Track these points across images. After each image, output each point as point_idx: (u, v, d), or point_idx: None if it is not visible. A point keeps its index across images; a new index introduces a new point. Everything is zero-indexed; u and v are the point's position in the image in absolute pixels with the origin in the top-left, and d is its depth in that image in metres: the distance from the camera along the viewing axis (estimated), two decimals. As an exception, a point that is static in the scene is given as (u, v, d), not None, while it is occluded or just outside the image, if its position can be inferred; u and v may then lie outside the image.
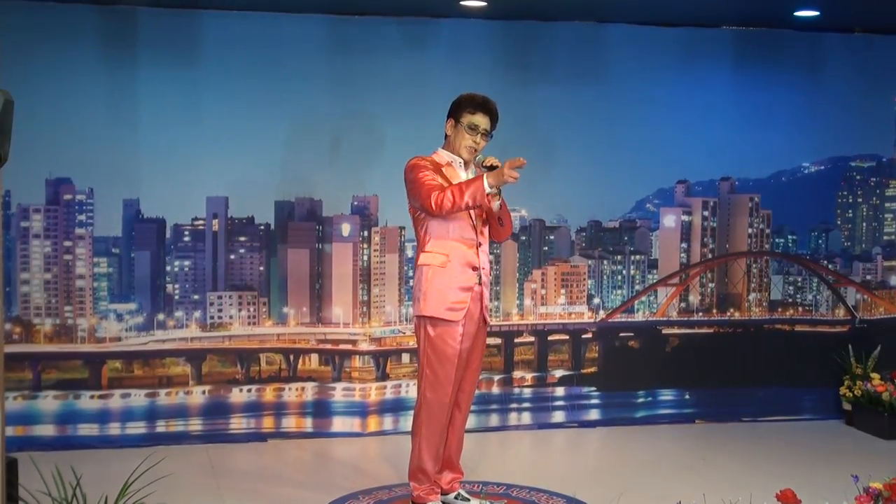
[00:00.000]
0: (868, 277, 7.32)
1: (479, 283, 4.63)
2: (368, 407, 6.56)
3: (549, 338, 6.87)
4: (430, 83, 6.30)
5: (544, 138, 6.66)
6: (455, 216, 4.55)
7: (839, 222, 7.35)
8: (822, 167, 7.31)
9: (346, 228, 6.53)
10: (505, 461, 5.97)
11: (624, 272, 7.01)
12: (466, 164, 4.65)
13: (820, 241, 7.31)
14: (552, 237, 6.91)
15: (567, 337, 6.89)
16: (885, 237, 7.38)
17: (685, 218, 7.05)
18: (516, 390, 6.82)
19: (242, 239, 6.44)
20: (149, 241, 6.29)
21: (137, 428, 6.24)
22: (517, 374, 6.81)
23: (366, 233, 6.55)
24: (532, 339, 6.84)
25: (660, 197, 7.06)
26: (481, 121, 4.59)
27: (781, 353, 7.12)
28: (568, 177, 6.78)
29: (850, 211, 7.37)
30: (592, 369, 6.91)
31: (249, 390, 6.42)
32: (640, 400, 6.98)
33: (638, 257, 7.04)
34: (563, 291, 6.87)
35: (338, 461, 5.91)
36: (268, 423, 6.43)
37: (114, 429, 6.22)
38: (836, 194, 7.35)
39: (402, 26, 6.45)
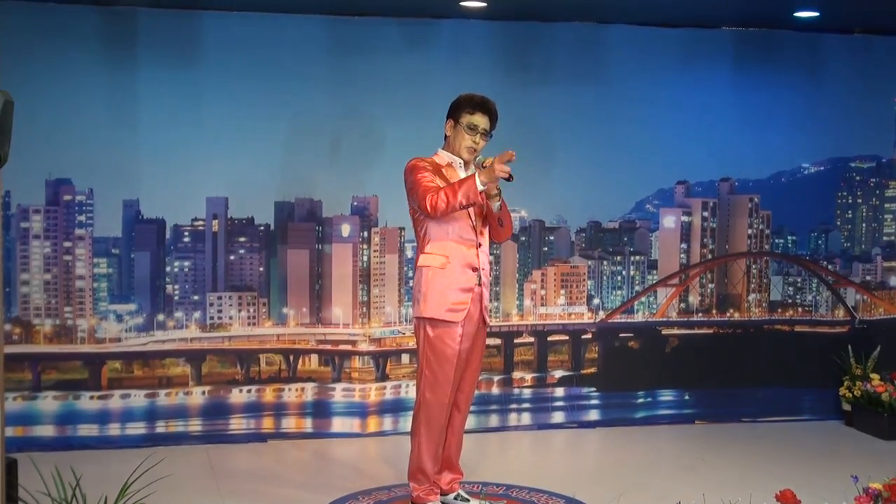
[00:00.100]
0: (868, 278, 7.32)
1: (479, 284, 4.63)
2: (368, 407, 6.56)
3: (549, 338, 6.87)
4: (431, 84, 6.30)
5: (544, 139, 6.66)
6: (454, 217, 4.55)
7: (839, 223, 7.35)
8: (822, 168, 7.32)
9: (345, 229, 6.53)
10: (504, 462, 5.97)
11: (624, 273, 7.01)
12: (466, 164, 4.65)
13: (820, 242, 7.31)
14: (552, 238, 6.91)
15: (567, 337, 6.89)
16: (885, 238, 7.38)
17: (685, 218, 7.05)
18: (516, 391, 6.82)
19: (242, 239, 6.44)
20: (149, 242, 6.29)
21: (137, 428, 6.24)
22: (517, 374, 6.81)
23: (365, 233, 6.55)
24: (532, 339, 6.84)
25: (659, 197, 7.06)
26: (480, 121, 4.59)
27: (781, 354, 7.12)
28: (568, 177, 6.78)
29: (850, 212, 7.37)
30: (592, 370, 6.91)
31: (249, 391, 6.42)
32: (640, 400, 6.98)
33: (638, 258, 7.04)
34: (562, 292, 6.87)
35: (337, 462, 5.91)
36: (268, 423, 6.43)
37: (113, 429, 6.22)
38: (835, 195, 7.35)
39: (402, 27, 6.45)
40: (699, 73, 6.96)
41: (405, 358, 6.62)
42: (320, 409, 6.50)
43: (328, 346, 6.53)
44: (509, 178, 4.39)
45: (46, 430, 6.12)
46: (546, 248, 6.89)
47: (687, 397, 7.04)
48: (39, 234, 6.10)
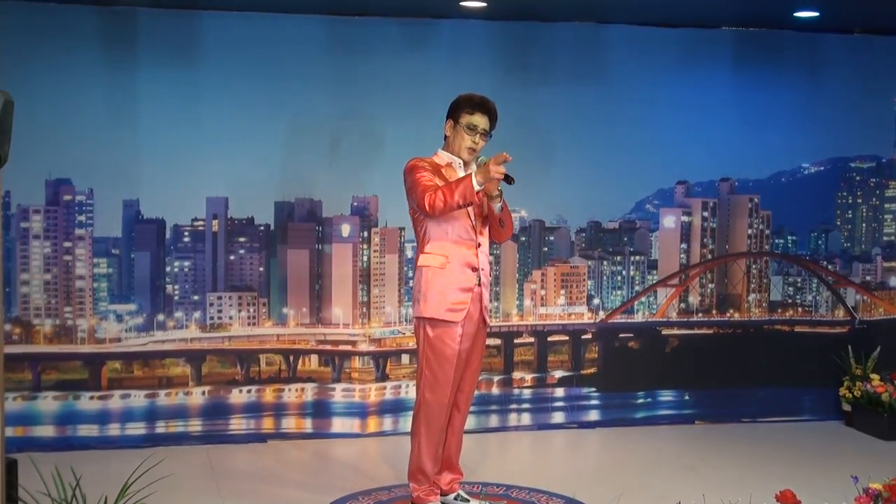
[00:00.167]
0: (868, 278, 7.32)
1: (479, 284, 4.63)
2: (368, 408, 6.56)
3: (549, 338, 6.87)
4: (431, 84, 6.30)
5: (544, 139, 6.66)
6: (454, 217, 4.55)
7: (839, 223, 7.35)
8: (822, 168, 7.32)
9: (345, 229, 6.53)
10: (504, 462, 5.97)
11: (624, 273, 7.01)
12: (466, 164, 4.65)
13: (819, 242, 7.31)
14: (552, 238, 6.91)
15: (567, 338, 6.89)
16: (885, 238, 7.38)
17: (685, 219, 7.05)
18: (516, 391, 6.82)
19: (242, 239, 6.44)
20: (149, 242, 6.29)
21: (137, 429, 6.23)
22: (517, 374, 6.81)
23: (365, 233, 6.55)
24: (532, 339, 6.84)
25: (659, 198, 7.06)
26: (480, 121, 4.59)
27: (781, 354, 7.12)
28: (568, 177, 6.78)
29: (850, 212, 7.37)
30: (592, 370, 6.91)
31: (249, 391, 6.42)
32: (640, 401, 6.98)
33: (638, 258, 7.04)
34: (562, 292, 6.87)
35: (337, 462, 5.91)
36: (267, 423, 6.43)
37: (114, 429, 6.22)
38: (835, 195, 7.35)
39: (402, 27, 6.45)
40: (699, 73, 6.96)
41: (405, 358, 6.62)
42: (320, 410, 6.50)
43: (328, 347, 6.53)
44: (511, 181, 4.39)
45: (46, 430, 6.12)
46: (546, 248, 6.89)
47: (687, 397, 7.04)
48: (39, 234, 6.10)
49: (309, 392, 6.49)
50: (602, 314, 6.94)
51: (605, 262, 6.98)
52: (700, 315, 7.11)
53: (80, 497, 3.76)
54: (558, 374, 6.87)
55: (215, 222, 6.38)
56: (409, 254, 6.54)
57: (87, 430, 6.17)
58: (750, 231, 7.13)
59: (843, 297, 7.28)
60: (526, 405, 6.83)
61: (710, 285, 7.15)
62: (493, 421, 6.74)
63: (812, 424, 6.95)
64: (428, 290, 4.57)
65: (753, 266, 7.18)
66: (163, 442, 6.14)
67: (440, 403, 4.62)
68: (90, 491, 3.88)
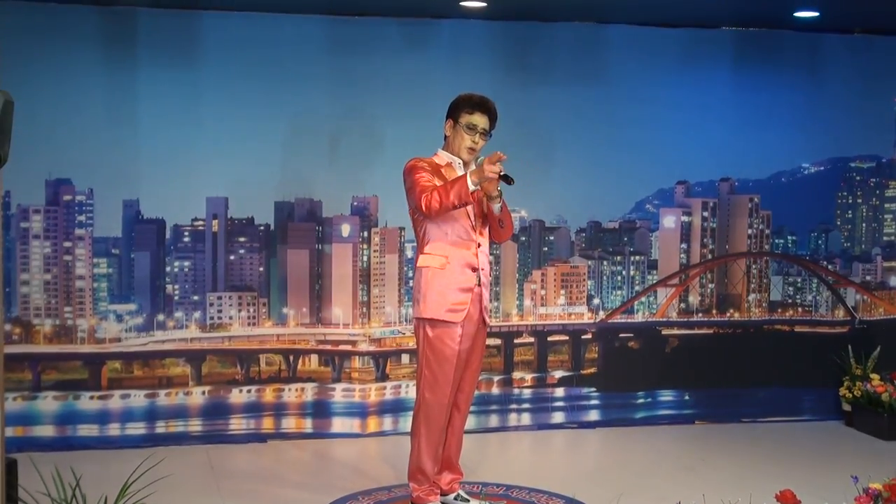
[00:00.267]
0: (868, 278, 7.32)
1: (479, 284, 4.63)
2: (368, 408, 6.56)
3: (549, 338, 6.87)
4: (431, 84, 6.30)
5: (544, 139, 6.66)
6: (454, 217, 4.55)
7: (839, 223, 7.35)
8: (822, 168, 7.32)
9: (345, 229, 6.53)
10: (504, 462, 5.97)
11: (624, 273, 7.01)
12: (466, 164, 4.65)
13: (820, 242, 7.31)
14: (552, 238, 6.91)
15: (567, 338, 6.89)
16: (885, 238, 7.38)
17: (685, 218, 7.05)
18: (516, 391, 6.82)
19: (242, 239, 6.44)
20: (149, 242, 6.29)
21: (137, 428, 6.23)
22: (517, 374, 6.81)
23: (365, 233, 6.55)
24: (532, 339, 6.84)
25: (659, 197, 7.06)
26: (479, 120, 4.59)
27: (781, 354, 7.12)
28: (568, 177, 6.78)
29: (850, 212, 7.37)
30: (592, 370, 6.91)
31: (249, 391, 6.42)
32: (640, 401, 6.98)
33: (638, 258, 7.04)
34: (562, 292, 6.87)
35: (337, 462, 5.91)
36: (267, 423, 6.43)
37: (113, 429, 6.22)
38: (835, 195, 7.35)
39: (402, 27, 6.45)
40: (699, 73, 6.96)
41: (405, 358, 6.62)
42: (320, 410, 6.50)
43: (328, 347, 6.53)
44: (510, 182, 4.39)
45: (46, 430, 6.12)
46: (546, 248, 6.89)
47: (687, 397, 7.04)
48: (39, 234, 6.10)
49: (309, 392, 6.49)
50: (602, 314, 6.94)
51: (605, 262, 6.98)
52: (700, 315, 7.11)
53: (80, 497, 3.76)
54: (558, 374, 6.87)
55: (215, 222, 6.38)
56: (409, 254, 6.54)
57: (87, 430, 6.17)
58: (750, 231, 7.13)
59: (843, 297, 7.28)
60: (526, 405, 6.83)
61: (710, 285, 7.15)
62: (493, 421, 6.74)
63: (812, 424, 6.95)
64: (428, 291, 4.57)
65: (753, 266, 7.18)
66: (163, 442, 6.14)
67: (440, 403, 4.62)
68: (90, 491, 3.88)
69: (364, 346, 6.56)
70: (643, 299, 7.04)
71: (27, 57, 5.80)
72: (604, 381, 6.91)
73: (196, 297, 6.36)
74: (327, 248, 6.51)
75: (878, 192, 7.38)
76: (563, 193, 6.85)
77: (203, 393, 6.35)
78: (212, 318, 6.38)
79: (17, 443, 5.77)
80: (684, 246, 7.08)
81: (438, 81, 6.25)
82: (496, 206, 4.58)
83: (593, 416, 6.88)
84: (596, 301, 6.94)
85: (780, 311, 7.24)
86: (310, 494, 5.16)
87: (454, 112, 4.62)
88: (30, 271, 6.10)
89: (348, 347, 6.55)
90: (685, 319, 7.08)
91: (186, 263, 6.35)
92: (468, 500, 4.84)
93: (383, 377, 6.59)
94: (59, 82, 5.99)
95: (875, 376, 6.72)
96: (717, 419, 6.94)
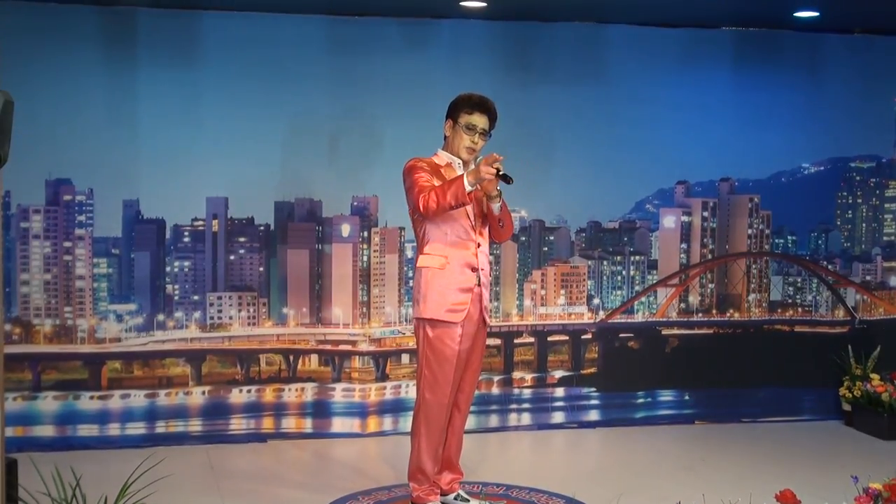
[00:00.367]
0: (868, 278, 7.32)
1: (479, 285, 4.63)
2: (368, 407, 6.56)
3: (549, 338, 6.87)
4: (431, 84, 6.29)
5: (544, 139, 6.66)
6: (453, 218, 4.55)
7: (839, 223, 7.35)
8: (822, 168, 7.32)
9: (345, 229, 6.53)
10: (504, 462, 5.97)
11: (624, 273, 7.01)
12: (466, 164, 4.65)
13: (820, 242, 7.31)
14: (552, 238, 6.91)
15: (567, 338, 6.89)
16: (885, 238, 7.38)
17: (685, 218, 7.05)
18: (516, 391, 6.82)
19: (242, 239, 6.44)
20: (149, 242, 6.29)
21: (137, 428, 6.23)
22: (517, 374, 6.81)
23: (365, 233, 6.55)
24: (532, 339, 6.84)
25: (659, 197, 7.06)
26: (479, 120, 4.59)
27: (781, 354, 7.12)
28: (568, 177, 6.78)
29: (850, 212, 7.37)
30: (592, 370, 6.91)
31: (249, 391, 6.42)
32: (640, 401, 6.98)
33: (638, 258, 7.04)
34: (562, 292, 6.87)
35: (337, 462, 5.91)
36: (267, 423, 6.43)
37: (113, 429, 6.22)
38: (835, 195, 7.35)
39: (402, 27, 6.45)
40: (699, 73, 6.96)
41: (405, 358, 6.62)
42: (320, 409, 6.50)
43: (328, 346, 6.53)
44: (509, 181, 4.38)
45: (46, 430, 6.12)
46: (546, 248, 6.89)
47: (687, 397, 7.04)
48: (39, 234, 6.10)
49: (309, 392, 6.49)
50: (602, 314, 6.94)
51: (605, 262, 6.98)
52: (700, 315, 7.11)
53: (80, 497, 3.76)
54: (558, 374, 6.87)
55: (215, 222, 6.38)
56: (409, 254, 6.54)
57: (87, 430, 6.17)
58: (750, 231, 7.13)
59: (843, 297, 7.28)
60: (526, 405, 6.83)
61: (710, 285, 7.15)
62: (493, 421, 6.74)
63: (812, 424, 6.95)
64: (428, 291, 4.57)
65: (753, 266, 7.18)
66: (163, 442, 6.14)
67: (440, 404, 4.61)
68: (90, 491, 3.88)
69: (364, 346, 6.56)
70: (643, 299, 7.04)
71: (27, 57, 5.80)
72: (604, 381, 6.91)
73: (196, 297, 6.36)
74: (327, 248, 6.51)
75: (878, 192, 7.38)
76: (563, 193, 6.85)
77: (203, 393, 6.35)
78: (212, 318, 6.38)
79: (17, 443, 5.77)
80: (684, 246, 7.08)
81: (438, 81, 6.25)
82: (496, 206, 4.58)
83: (593, 416, 6.88)
84: (596, 301, 6.94)
85: (780, 311, 7.24)
86: (310, 494, 5.16)
87: (454, 112, 4.62)
88: (30, 271, 6.10)
89: (348, 347, 6.55)
90: (685, 319, 7.08)
91: (186, 263, 6.36)
92: (468, 500, 4.84)
93: (383, 377, 6.59)
94: (60, 82, 5.99)
95: (875, 376, 6.73)
96: (717, 419, 6.94)
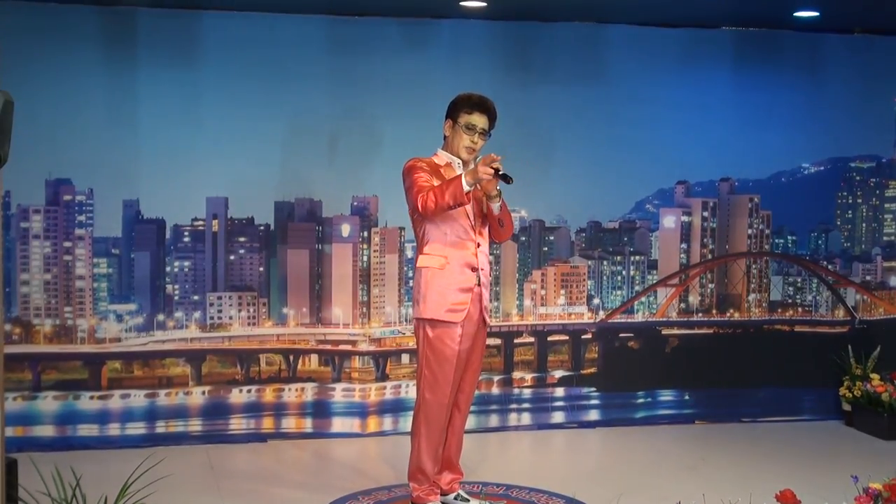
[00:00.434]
0: (868, 278, 7.32)
1: (479, 284, 4.63)
2: (368, 407, 6.56)
3: (549, 338, 6.87)
4: (430, 84, 6.29)
5: (544, 139, 6.66)
6: (453, 218, 4.55)
7: (839, 223, 7.35)
8: (822, 168, 7.32)
9: (345, 229, 6.53)
10: (504, 462, 5.97)
11: (624, 273, 7.01)
12: (465, 164, 4.65)
13: (820, 242, 7.31)
14: (552, 238, 6.91)
15: (567, 337, 6.89)
16: (885, 238, 7.38)
17: (685, 218, 7.05)
18: (516, 391, 6.82)
19: (242, 239, 6.44)
20: (149, 242, 6.29)
21: (137, 428, 6.23)
22: (517, 374, 6.81)
23: (365, 233, 6.55)
24: (532, 339, 6.84)
25: (659, 197, 7.06)
26: (478, 120, 4.59)
27: (781, 354, 7.12)
28: (568, 177, 6.78)
29: (850, 212, 7.37)
30: (592, 370, 6.91)
31: (249, 391, 6.42)
32: (640, 400, 6.98)
33: (638, 258, 7.04)
34: (562, 292, 6.87)
35: (337, 462, 5.91)
36: (267, 423, 6.43)
37: (113, 429, 6.22)
38: (835, 195, 7.35)
39: (402, 27, 6.45)
40: (699, 73, 6.96)
41: (405, 358, 6.62)
42: (320, 409, 6.50)
43: (328, 346, 6.53)
44: (509, 181, 4.38)
45: (46, 430, 6.12)
46: (546, 248, 6.89)
47: (687, 397, 7.04)
48: (39, 234, 6.10)
49: (309, 392, 6.49)
50: (602, 314, 6.94)
51: (605, 262, 6.98)
52: (700, 315, 7.11)
53: (80, 497, 3.76)
54: (558, 373, 6.87)
55: (215, 222, 6.38)
56: (409, 254, 6.54)
57: (87, 430, 6.17)
58: (750, 231, 7.13)
59: (843, 296, 7.28)
60: (526, 405, 6.83)
61: (710, 285, 7.15)
62: (493, 421, 6.74)
63: (812, 424, 6.95)
64: (427, 291, 4.57)
65: (753, 266, 7.18)
66: (163, 442, 6.14)
67: (440, 403, 4.62)
68: (90, 491, 3.88)
69: (364, 346, 6.56)
70: (643, 299, 7.04)
71: (27, 57, 5.80)
72: (604, 381, 6.91)
73: (196, 297, 6.36)
74: (327, 248, 6.51)
75: (878, 192, 7.38)
76: (563, 193, 6.85)
77: (203, 393, 6.35)
78: (212, 318, 6.38)
79: (17, 443, 5.77)
80: (684, 246, 7.08)
81: (438, 81, 6.25)
82: (496, 206, 4.58)
83: (593, 415, 6.88)
84: (596, 301, 6.94)
85: (780, 311, 7.24)
86: (310, 494, 5.16)
87: (453, 112, 4.62)
88: (30, 271, 6.10)
89: (348, 347, 6.55)
90: (685, 319, 7.08)
91: (186, 263, 6.36)
92: (468, 500, 4.84)
93: (383, 377, 6.59)
94: (60, 82, 5.99)
95: (875, 376, 6.73)
96: (717, 419, 6.94)
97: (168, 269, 6.33)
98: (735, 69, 6.97)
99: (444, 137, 4.68)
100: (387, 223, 6.58)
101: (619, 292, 7.01)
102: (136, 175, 6.18)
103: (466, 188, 4.33)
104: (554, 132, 6.70)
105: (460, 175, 4.37)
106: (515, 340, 6.82)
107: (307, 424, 6.48)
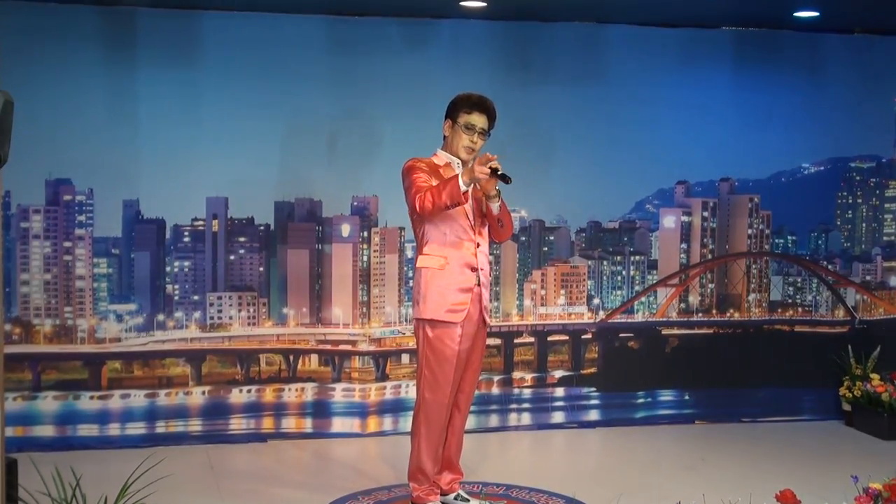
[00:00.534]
0: (868, 278, 7.32)
1: (479, 284, 4.62)
2: (368, 407, 6.56)
3: (549, 338, 6.87)
4: (430, 84, 6.29)
5: (544, 139, 6.66)
6: (452, 218, 4.54)
7: (839, 223, 7.36)
8: (822, 168, 7.32)
9: (345, 229, 6.53)
10: (505, 462, 5.96)
11: (624, 273, 7.01)
12: (465, 164, 4.64)
13: (819, 242, 7.31)
14: (552, 238, 6.91)
15: (567, 337, 6.89)
16: (885, 238, 7.38)
17: (685, 218, 7.05)
18: (516, 391, 6.82)
19: (242, 239, 6.44)
20: (149, 242, 6.29)
21: (137, 428, 6.23)
22: (517, 374, 6.81)
23: (365, 233, 6.56)
24: (532, 339, 6.84)
25: (659, 197, 7.06)
26: (478, 120, 4.59)
27: (781, 354, 7.12)
28: (568, 177, 6.78)
29: (850, 212, 7.37)
30: (592, 370, 6.91)
31: (249, 391, 6.42)
32: (640, 400, 6.98)
33: (638, 258, 7.04)
34: (562, 292, 6.87)
35: (337, 462, 5.91)
36: (267, 423, 6.43)
37: (113, 429, 6.22)
38: (835, 195, 7.35)
39: (402, 27, 6.45)
40: (699, 73, 6.96)
41: (405, 358, 6.62)
42: (320, 409, 6.50)
43: (328, 346, 6.53)
44: (508, 181, 4.38)
45: (46, 430, 6.12)
46: (546, 248, 6.89)
47: (687, 397, 7.04)
48: (39, 234, 6.10)
49: (309, 392, 6.49)
50: (602, 314, 6.94)
51: (605, 262, 6.98)
52: (700, 315, 7.11)
53: (80, 497, 3.76)
54: (558, 373, 6.87)
55: (215, 222, 6.38)
56: (409, 254, 6.55)
57: (87, 430, 6.17)
58: (750, 231, 7.13)
59: (843, 296, 7.28)
60: (526, 405, 6.83)
61: (710, 285, 7.15)
62: (493, 421, 6.74)
63: (812, 424, 6.95)
64: (427, 292, 4.57)
65: (753, 266, 7.19)
66: (163, 442, 6.14)
67: (440, 403, 4.61)
68: (90, 491, 3.88)
69: (364, 346, 6.56)
70: (643, 299, 7.04)
71: (27, 57, 5.80)
72: (604, 381, 6.91)
73: (196, 297, 6.36)
74: (327, 248, 6.51)
75: (878, 192, 7.38)
76: (563, 193, 6.85)
77: (203, 393, 6.35)
78: (212, 318, 6.38)
79: (17, 443, 5.77)
80: (684, 246, 7.08)
81: (438, 81, 6.24)
82: (495, 206, 4.58)
83: (593, 415, 6.88)
84: (596, 301, 6.94)
85: (780, 311, 7.24)
86: (310, 494, 5.16)
87: (452, 112, 4.62)
88: (30, 271, 6.10)
89: (348, 347, 6.55)
90: (685, 319, 7.08)
91: (186, 263, 6.36)
92: (468, 500, 4.84)
93: (383, 377, 6.59)
94: (60, 82, 5.99)
95: (875, 376, 6.72)
96: (717, 419, 6.94)
97: (168, 269, 6.33)
98: (735, 69, 6.98)
99: (444, 137, 4.68)
100: (387, 223, 6.58)
101: (619, 292, 7.01)
102: (136, 175, 6.18)
103: (463, 188, 4.32)
104: (554, 132, 6.70)
105: (457, 175, 4.36)
106: (515, 340, 6.82)
107: (307, 424, 6.48)
